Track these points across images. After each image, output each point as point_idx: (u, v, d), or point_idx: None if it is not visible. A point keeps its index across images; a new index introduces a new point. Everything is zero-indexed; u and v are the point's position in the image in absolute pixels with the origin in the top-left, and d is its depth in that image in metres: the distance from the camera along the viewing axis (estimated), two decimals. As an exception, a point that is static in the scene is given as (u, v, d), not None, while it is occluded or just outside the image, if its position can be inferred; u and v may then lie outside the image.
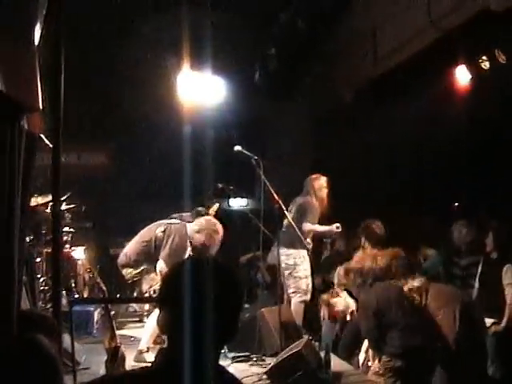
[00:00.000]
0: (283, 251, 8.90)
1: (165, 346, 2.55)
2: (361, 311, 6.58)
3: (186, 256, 7.80)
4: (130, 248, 8.17)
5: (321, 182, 9.50)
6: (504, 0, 8.19)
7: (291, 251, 9.05)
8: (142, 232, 8.23)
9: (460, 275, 8.26)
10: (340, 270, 7.14)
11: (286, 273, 9.03)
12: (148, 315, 8.75)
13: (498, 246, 7.77)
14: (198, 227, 8.07)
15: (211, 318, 2.40)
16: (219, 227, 8.07)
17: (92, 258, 10.51)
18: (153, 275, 7.91)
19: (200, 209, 9.79)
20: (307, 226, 9.12)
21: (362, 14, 12.12)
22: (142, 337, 7.71)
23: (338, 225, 9.21)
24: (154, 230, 8.10)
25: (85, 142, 13.71)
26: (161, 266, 7.79)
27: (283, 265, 8.94)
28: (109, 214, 10.64)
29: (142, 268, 8.00)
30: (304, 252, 9.07)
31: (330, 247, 11.41)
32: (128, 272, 8.04)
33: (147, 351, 7.50)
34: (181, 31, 10.48)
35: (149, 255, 7.97)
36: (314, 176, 9.56)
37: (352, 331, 7.40)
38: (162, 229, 8.09)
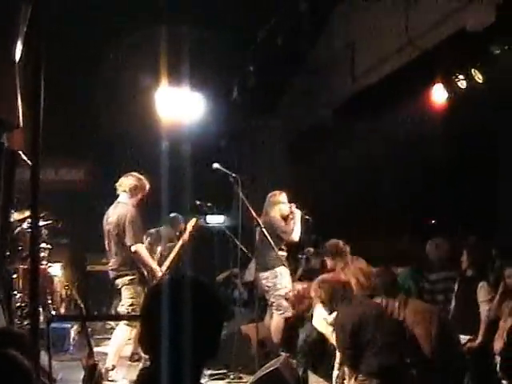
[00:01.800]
0: (260, 275, 8.92)
1: (147, 364, 2.54)
2: (337, 329, 6.54)
3: None
4: None
5: (278, 199, 9.47)
6: (480, 20, 8.28)
7: (267, 274, 9.01)
8: None
9: (428, 289, 8.32)
10: (316, 282, 7.10)
11: (269, 293, 8.99)
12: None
13: (474, 264, 7.81)
14: None
15: (192, 336, 2.40)
16: None
17: (69, 274, 10.44)
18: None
19: (173, 215, 9.82)
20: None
21: (340, 31, 12.21)
22: (108, 355, 7.68)
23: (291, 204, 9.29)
24: None
25: (62, 158, 13.66)
26: None
27: (264, 287, 8.93)
28: (86, 230, 10.59)
29: None
30: (280, 268, 9.03)
31: (304, 263, 11.41)
32: None
33: (112, 369, 7.48)
34: (159, 48, 10.49)
35: None
36: (272, 193, 9.54)
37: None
38: None
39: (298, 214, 9.31)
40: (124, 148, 12.98)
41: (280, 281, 9.00)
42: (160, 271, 8.25)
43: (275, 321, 8.86)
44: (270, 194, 9.49)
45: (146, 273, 8.15)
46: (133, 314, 7.77)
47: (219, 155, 10.44)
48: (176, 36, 10.79)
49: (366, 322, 6.22)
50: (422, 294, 8.50)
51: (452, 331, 6.73)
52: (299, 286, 7.98)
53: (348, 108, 12.34)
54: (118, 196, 8.36)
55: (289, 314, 8.90)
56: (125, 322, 7.95)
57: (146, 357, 7.94)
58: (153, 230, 9.76)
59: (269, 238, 8.59)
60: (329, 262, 8.51)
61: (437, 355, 6.36)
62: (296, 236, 9.31)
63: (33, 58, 4.47)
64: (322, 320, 7.14)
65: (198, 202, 10.21)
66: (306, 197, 11.15)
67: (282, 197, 9.44)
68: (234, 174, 8.01)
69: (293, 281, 9.22)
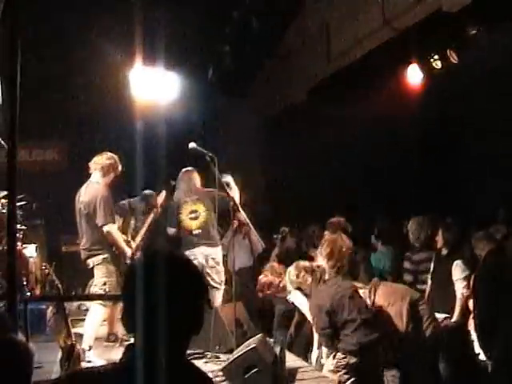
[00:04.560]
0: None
1: (131, 341, 2.54)
2: (314, 310, 6.58)
3: None
4: None
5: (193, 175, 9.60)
6: (456, 1, 8.31)
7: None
8: None
9: (412, 270, 8.36)
10: (291, 268, 7.11)
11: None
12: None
13: (448, 242, 7.88)
14: None
15: (174, 311, 2.41)
16: None
17: (44, 255, 10.38)
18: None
19: (147, 192, 9.80)
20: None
21: (315, 12, 12.19)
22: (84, 336, 7.67)
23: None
24: None
25: (36, 139, 13.56)
26: None
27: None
28: (60, 211, 10.52)
29: None
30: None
31: (280, 243, 11.44)
32: None
33: (89, 350, 7.47)
34: (134, 27, 10.41)
35: None
36: (184, 170, 9.67)
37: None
38: None
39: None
40: (98, 128, 12.90)
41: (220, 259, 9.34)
42: (130, 251, 8.24)
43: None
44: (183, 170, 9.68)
45: (117, 252, 8.16)
46: (107, 293, 7.78)
47: (195, 135, 10.38)
48: (151, 15, 10.72)
49: (342, 301, 6.28)
50: (401, 273, 8.56)
51: (424, 311, 6.81)
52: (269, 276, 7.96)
53: (322, 90, 12.35)
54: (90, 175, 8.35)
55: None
56: (98, 301, 7.93)
57: (123, 337, 7.99)
58: (124, 202, 9.72)
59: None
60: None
61: (409, 336, 6.46)
62: None
63: (8, 41, 4.44)
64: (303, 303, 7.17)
65: (173, 182, 10.18)
66: (280, 179, 11.17)
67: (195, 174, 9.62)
68: (210, 154, 7.98)
69: (268, 261, 9.25)
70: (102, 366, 2.72)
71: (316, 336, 6.94)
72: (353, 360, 6.14)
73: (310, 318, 6.88)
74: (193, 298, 2.54)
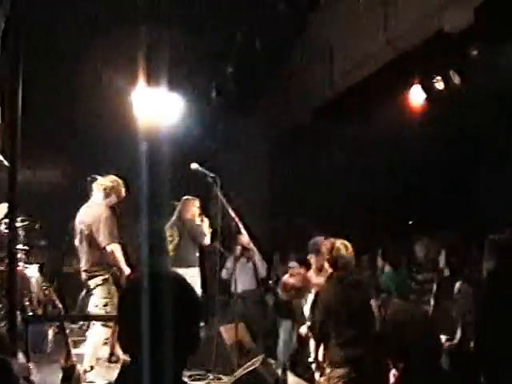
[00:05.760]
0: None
1: (127, 362, 2.53)
2: (321, 303, 6.60)
3: None
4: None
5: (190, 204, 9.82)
6: (458, 22, 8.32)
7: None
8: None
9: (416, 289, 8.35)
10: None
11: None
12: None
13: (450, 263, 7.86)
14: None
15: (171, 333, 2.40)
16: None
17: (46, 275, 10.37)
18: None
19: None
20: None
21: (319, 33, 12.21)
22: (85, 356, 7.65)
23: None
24: None
25: (40, 160, 13.58)
26: None
27: None
28: (63, 232, 10.53)
29: None
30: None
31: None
32: None
33: (90, 370, 7.44)
34: (138, 49, 10.44)
35: None
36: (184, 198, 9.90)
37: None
38: None
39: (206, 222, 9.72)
40: (102, 150, 12.91)
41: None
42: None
43: None
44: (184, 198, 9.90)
45: (118, 273, 8.15)
46: (108, 313, 7.76)
47: (198, 156, 10.37)
48: (154, 37, 10.75)
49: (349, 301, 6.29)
50: (410, 293, 8.54)
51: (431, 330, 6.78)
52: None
53: (327, 110, 12.36)
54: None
55: None
56: (100, 322, 7.91)
57: (125, 358, 7.96)
58: None
59: None
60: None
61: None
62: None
63: (10, 57, 4.46)
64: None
65: (176, 203, 10.18)
66: (285, 198, 11.15)
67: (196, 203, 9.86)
68: (212, 175, 8.00)
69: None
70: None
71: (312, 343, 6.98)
72: (342, 371, 6.13)
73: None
74: (188, 315, 2.53)
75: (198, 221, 9.64)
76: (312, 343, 7.01)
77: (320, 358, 6.72)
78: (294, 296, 8.02)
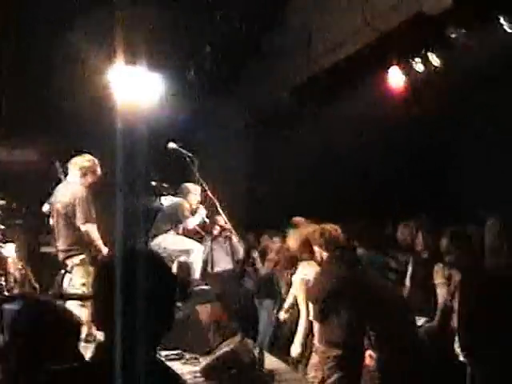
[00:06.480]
0: None
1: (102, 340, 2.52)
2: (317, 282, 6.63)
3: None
4: None
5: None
6: (437, 3, 8.31)
7: None
8: None
9: (395, 268, 8.36)
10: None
11: None
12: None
13: (428, 245, 7.85)
14: None
15: (145, 311, 2.38)
16: None
17: (22, 255, 10.32)
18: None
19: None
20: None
21: (297, 13, 12.17)
22: None
23: None
24: None
25: (17, 139, 13.49)
26: None
27: None
28: (40, 211, 10.47)
29: None
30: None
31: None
32: None
33: None
34: (116, 27, 10.35)
35: None
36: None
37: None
38: None
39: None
40: (79, 129, 12.83)
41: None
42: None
43: None
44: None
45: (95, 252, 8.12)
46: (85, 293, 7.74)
47: (175, 135, 10.33)
48: (131, 15, 10.66)
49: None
50: (389, 272, 8.55)
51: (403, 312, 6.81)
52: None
53: (305, 91, 12.34)
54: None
55: None
56: (77, 302, 7.87)
57: (101, 337, 7.94)
58: None
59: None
60: None
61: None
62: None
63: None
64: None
65: (153, 184, 10.16)
66: (263, 179, 11.12)
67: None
68: (190, 154, 7.96)
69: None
70: (71, 365, 2.69)
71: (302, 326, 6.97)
72: (337, 352, 6.14)
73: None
74: (162, 292, 2.52)
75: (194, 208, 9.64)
76: (303, 321, 7.02)
77: (316, 337, 6.74)
78: (281, 266, 8.00)
